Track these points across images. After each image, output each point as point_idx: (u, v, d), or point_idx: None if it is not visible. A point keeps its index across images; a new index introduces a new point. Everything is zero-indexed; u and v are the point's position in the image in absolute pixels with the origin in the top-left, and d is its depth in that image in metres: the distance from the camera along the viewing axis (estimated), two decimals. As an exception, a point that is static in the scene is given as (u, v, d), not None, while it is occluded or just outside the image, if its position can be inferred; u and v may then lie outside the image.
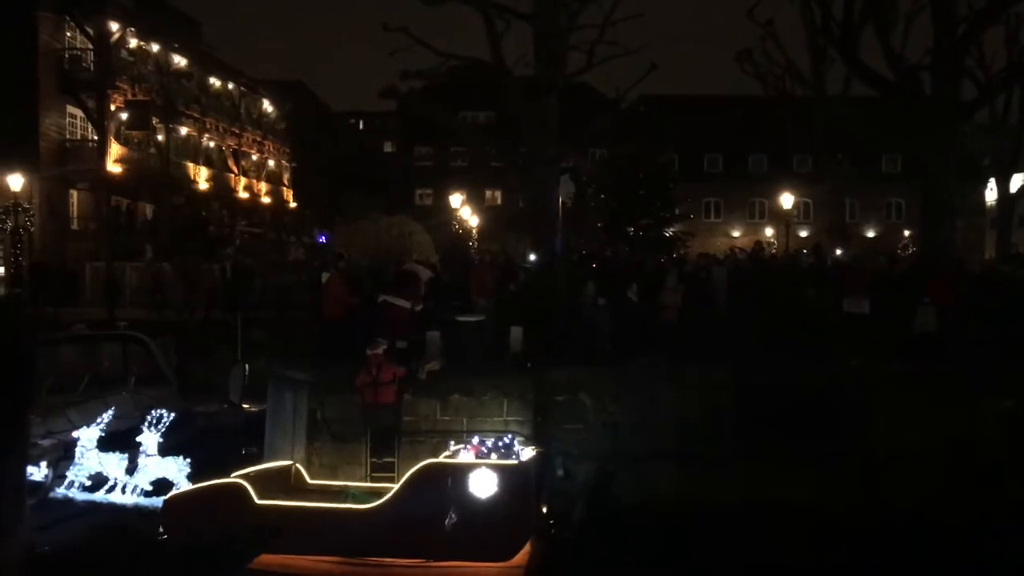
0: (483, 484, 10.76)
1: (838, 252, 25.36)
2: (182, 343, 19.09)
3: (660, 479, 13.24)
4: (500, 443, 11.55)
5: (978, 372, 13.92)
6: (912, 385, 13.88)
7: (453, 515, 10.71)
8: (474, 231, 44.33)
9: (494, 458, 11.22)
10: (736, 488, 13.02)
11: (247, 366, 18.11)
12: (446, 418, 13.60)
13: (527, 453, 11.61)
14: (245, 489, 11.19)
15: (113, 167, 36.42)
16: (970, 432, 13.39)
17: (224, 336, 19.26)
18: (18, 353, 1.02)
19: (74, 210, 36.75)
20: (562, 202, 18.53)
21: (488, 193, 60.85)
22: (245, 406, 17.50)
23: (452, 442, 12.23)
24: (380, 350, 13.00)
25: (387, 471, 12.98)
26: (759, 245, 21.00)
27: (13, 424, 0.98)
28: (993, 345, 14.46)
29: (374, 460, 13.12)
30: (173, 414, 14.09)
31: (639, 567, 11.06)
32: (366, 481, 12.88)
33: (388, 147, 72.52)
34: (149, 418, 13.90)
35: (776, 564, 11.02)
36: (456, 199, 43.63)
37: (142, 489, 13.69)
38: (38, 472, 13.01)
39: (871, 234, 55.69)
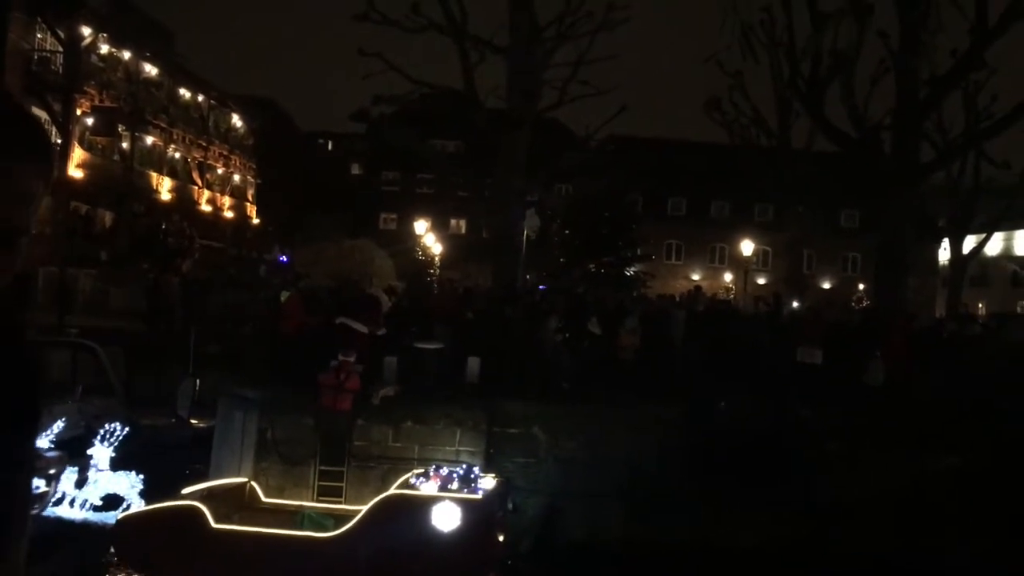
0: (446, 517, 10.69)
1: (795, 304, 25.74)
2: (134, 354, 18.77)
3: (608, 517, 13.24)
4: (462, 472, 11.50)
5: (924, 428, 14.17)
6: (860, 437, 14.08)
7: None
8: (437, 259, 44.31)
9: (456, 486, 11.16)
10: (683, 531, 13.04)
11: (197, 380, 17.86)
12: (398, 445, 13.51)
13: (488, 482, 11.57)
14: (201, 512, 10.99)
15: (75, 172, 35.91)
16: (915, 487, 13.60)
17: (177, 349, 18.97)
18: (22, 355, 0.98)
19: (31, 212, 36.07)
20: (526, 235, 18.67)
21: (453, 221, 60.92)
22: (193, 421, 17.23)
23: (416, 471, 12.13)
24: (352, 358, 12.96)
25: (335, 494, 12.85)
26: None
27: (25, 433, 0.94)
28: (940, 402, 14.75)
29: (322, 483, 12.98)
30: (127, 428, 13.88)
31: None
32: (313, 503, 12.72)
33: (355, 169, 72.38)
34: (102, 431, 13.67)
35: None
36: (421, 225, 43.65)
37: (92, 504, 13.38)
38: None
39: (827, 285, 56.62)
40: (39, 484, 12.73)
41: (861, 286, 51.73)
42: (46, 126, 35.40)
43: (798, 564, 12.35)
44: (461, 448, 13.47)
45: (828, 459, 13.82)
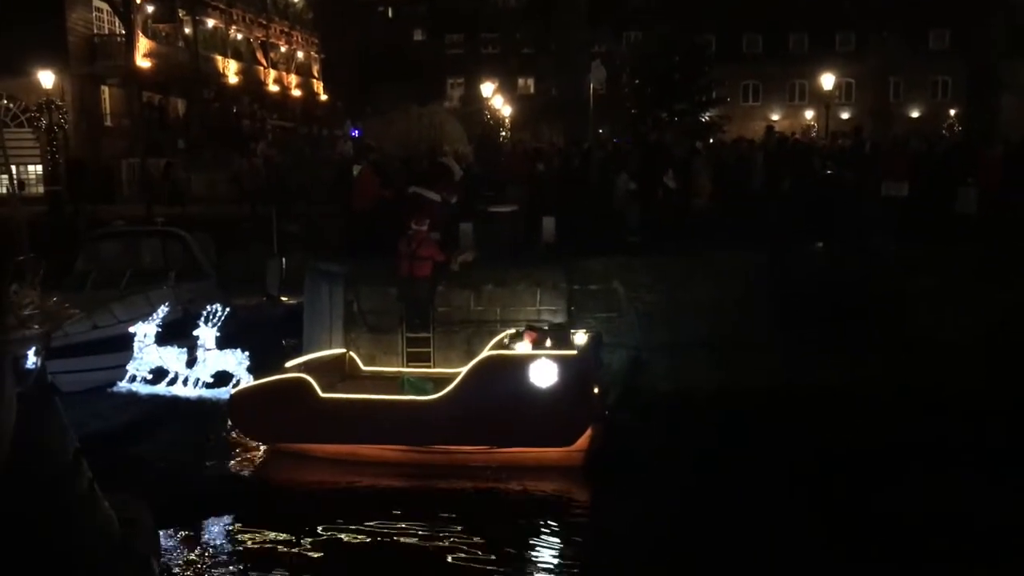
0: (545, 373, 10.92)
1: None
2: (220, 237, 19.31)
3: (692, 367, 13.35)
4: (555, 331, 11.64)
5: (1018, 254, 13.68)
6: (949, 270, 13.70)
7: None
8: (506, 120, 43.68)
9: (550, 344, 11.33)
10: (766, 375, 13.08)
11: (284, 259, 18.37)
12: (480, 308, 13.73)
13: (580, 338, 11.70)
14: (309, 383, 11.46)
15: (142, 62, 36.20)
16: (1008, 318, 13.25)
17: (261, 230, 19.45)
18: None
19: (106, 106, 36.75)
20: (594, 88, 18.16)
21: (520, 81, 59.65)
22: (283, 299, 17.84)
23: (508, 332, 12.31)
24: (424, 226, 13.08)
25: (423, 359, 13.22)
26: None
27: None
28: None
29: (410, 350, 13.35)
30: (228, 309, 14.53)
31: (679, 449, 11.27)
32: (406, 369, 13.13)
33: (418, 35, 71.00)
34: (205, 313, 14.37)
35: (811, 451, 11.16)
36: (488, 88, 42.83)
37: (203, 382, 14.20)
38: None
39: (915, 114, 54.05)
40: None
41: (952, 112, 49.24)
42: (110, 16, 35.53)
43: (884, 403, 12.30)
44: (542, 307, 13.61)
45: (916, 294, 13.53)
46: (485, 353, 11.57)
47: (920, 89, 54.97)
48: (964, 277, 13.62)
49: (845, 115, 50.06)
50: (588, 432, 11.06)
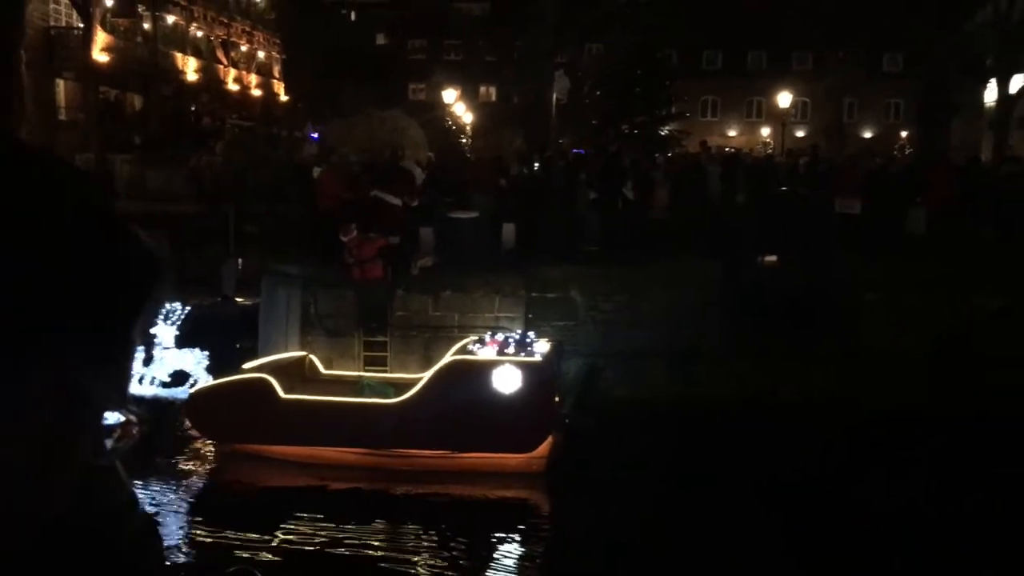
0: (507, 379, 10.96)
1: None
2: (175, 236, 19.05)
3: (649, 374, 13.49)
4: (517, 337, 11.70)
5: (969, 272, 14.05)
6: (900, 285, 14.02)
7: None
8: (468, 127, 43.74)
9: (512, 351, 11.38)
10: (723, 385, 13.27)
11: (240, 260, 18.21)
12: (438, 314, 13.74)
13: (543, 346, 11.76)
14: (271, 384, 11.35)
15: (100, 56, 35.62)
16: (959, 332, 13.60)
17: (217, 229, 19.25)
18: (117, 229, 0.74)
19: (61, 100, 36.10)
20: (556, 98, 18.31)
21: (483, 89, 59.71)
22: (239, 300, 17.68)
23: (472, 337, 12.34)
24: (352, 234, 12.96)
25: (379, 364, 13.20)
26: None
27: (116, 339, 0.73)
28: (985, 245, 14.57)
29: (367, 354, 13.32)
30: (188, 308, 14.34)
31: (636, 457, 11.38)
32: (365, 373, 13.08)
33: (381, 39, 70.75)
34: (164, 311, 14.14)
35: (766, 457, 11.34)
36: (450, 94, 42.88)
37: (160, 380, 13.98)
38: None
39: (868, 134, 55.21)
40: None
41: (904, 133, 50.39)
42: (67, 9, 34.97)
43: (840, 413, 12.54)
44: (500, 314, 13.67)
45: (869, 308, 13.83)
46: (449, 357, 11.57)
47: (873, 110, 56.17)
48: (912, 291, 13.95)
49: (800, 133, 50.97)
50: (549, 439, 11.14)
